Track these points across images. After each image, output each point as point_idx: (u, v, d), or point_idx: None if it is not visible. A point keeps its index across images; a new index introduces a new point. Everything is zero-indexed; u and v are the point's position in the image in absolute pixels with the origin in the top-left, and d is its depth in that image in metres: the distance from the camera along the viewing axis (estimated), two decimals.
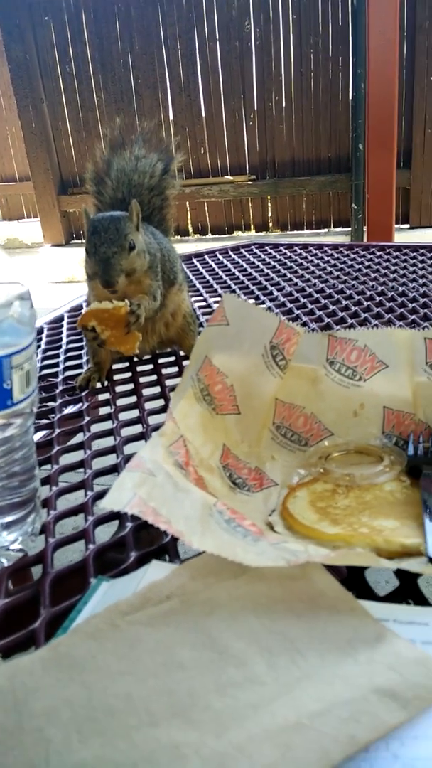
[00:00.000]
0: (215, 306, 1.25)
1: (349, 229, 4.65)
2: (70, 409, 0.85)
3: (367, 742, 0.32)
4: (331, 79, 4.49)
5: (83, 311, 0.80)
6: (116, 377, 0.93)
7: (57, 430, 0.78)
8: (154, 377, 0.92)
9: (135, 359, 0.98)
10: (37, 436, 0.78)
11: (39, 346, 1.12)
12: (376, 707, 0.33)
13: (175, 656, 0.38)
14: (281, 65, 4.54)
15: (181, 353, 1.00)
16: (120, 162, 0.94)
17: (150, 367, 0.96)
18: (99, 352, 0.92)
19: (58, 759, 0.32)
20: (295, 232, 4.91)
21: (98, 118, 4.90)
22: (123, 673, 0.37)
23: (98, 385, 0.90)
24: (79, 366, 1.00)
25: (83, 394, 0.88)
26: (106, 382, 0.91)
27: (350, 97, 4.40)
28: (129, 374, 0.94)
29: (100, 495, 0.65)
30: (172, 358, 0.99)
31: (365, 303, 1.19)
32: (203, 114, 4.74)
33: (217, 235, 5.03)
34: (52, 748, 0.32)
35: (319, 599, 0.42)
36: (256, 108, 4.67)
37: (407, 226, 4.64)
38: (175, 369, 0.96)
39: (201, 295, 1.32)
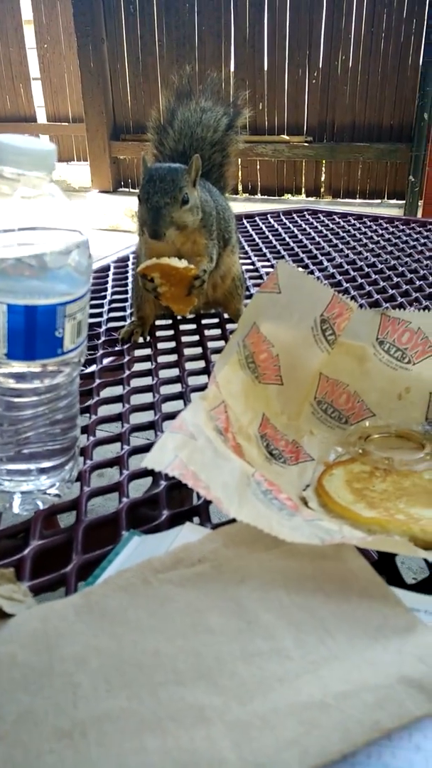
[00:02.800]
0: (263, 270, 1.23)
1: (403, 202, 4.49)
2: (111, 362, 0.85)
3: (391, 729, 0.32)
4: (402, 42, 4.26)
5: (148, 263, 0.78)
6: (159, 334, 0.93)
7: (97, 381, 0.78)
8: (196, 337, 0.92)
9: (179, 317, 0.97)
10: None
11: None
12: (402, 696, 0.33)
13: (204, 620, 0.38)
14: (352, 22, 4.31)
15: (226, 316, 0.98)
16: (185, 113, 0.91)
17: (193, 327, 0.95)
18: (144, 306, 0.91)
19: (85, 705, 0.33)
20: (347, 200, 4.76)
21: (157, 64, 4.76)
22: (152, 629, 0.37)
23: (140, 339, 0.90)
24: (122, 318, 1.00)
25: (125, 347, 0.88)
26: (148, 338, 0.91)
27: (420, 63, 4.19)
28: (171, 332, 0.93)
29: (136, 450, 0.65)
30: (216, 320, 0.98)
31: (417, 282, 1.15)
32: (265, 68, 4.57)
33: (266, 197, 4.91)
34: (80, 694, 0.33)
35: (350, 581, 0.42)
36: (320, 66, 4.48)
37: None
38: (218, 331, 0.95)
39: (249, 258, 1.29)
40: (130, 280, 1.16)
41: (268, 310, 0.63)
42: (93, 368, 0.82)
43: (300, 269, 0.64)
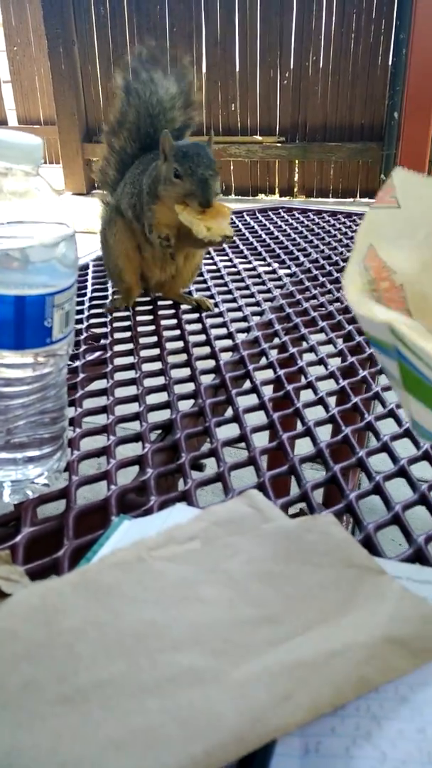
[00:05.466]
0: (240, 266, 1.25)
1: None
2: (94, 357, 0.86)
3: (378, 683, 0.34)
4: (372, 42, 4.34)
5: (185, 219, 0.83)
6: (140, 329, 0.94)
7: (81, 375, 0.79)
8: (177, 332, 0.93)
9: (159, 303, 1.00)
10: None
11: None
12: (387, 654, 0.35)
13: (197, 592, 0.40)
14: (322, 23, 4.38)
15: (204, 313, 1.00)
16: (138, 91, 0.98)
17: (174, 321, 0.97)
18: (124, 277, 0.97)
19: (86, 673, 0.34)
20: (320, 199, 4.82)
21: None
22: (147, 601, 0.39)
23: (125, 312, 0.94)
24: (104, 315, 1.01)
25: (108, 319, 0.91)
26: (129, 334, 0.92)
27: (390, 63, 4.27)
28: (153, 327, 0.95)
29: (123, 440, 0.66)
30: (196, 315, 0.99)
31: None
32: (237, 69, 4.61)
33: (240, 197, 4.95)
34: (81, 663, 0.35)
35: (335, 553, 0.44)
36: (292, 66, 4.54)
37: None
38: (199, 326, 0.96)
39: (227, 255, 1.31)
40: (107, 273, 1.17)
41: (387, 230, 0.49)
42: (76, 363, 0.83)
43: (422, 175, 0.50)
